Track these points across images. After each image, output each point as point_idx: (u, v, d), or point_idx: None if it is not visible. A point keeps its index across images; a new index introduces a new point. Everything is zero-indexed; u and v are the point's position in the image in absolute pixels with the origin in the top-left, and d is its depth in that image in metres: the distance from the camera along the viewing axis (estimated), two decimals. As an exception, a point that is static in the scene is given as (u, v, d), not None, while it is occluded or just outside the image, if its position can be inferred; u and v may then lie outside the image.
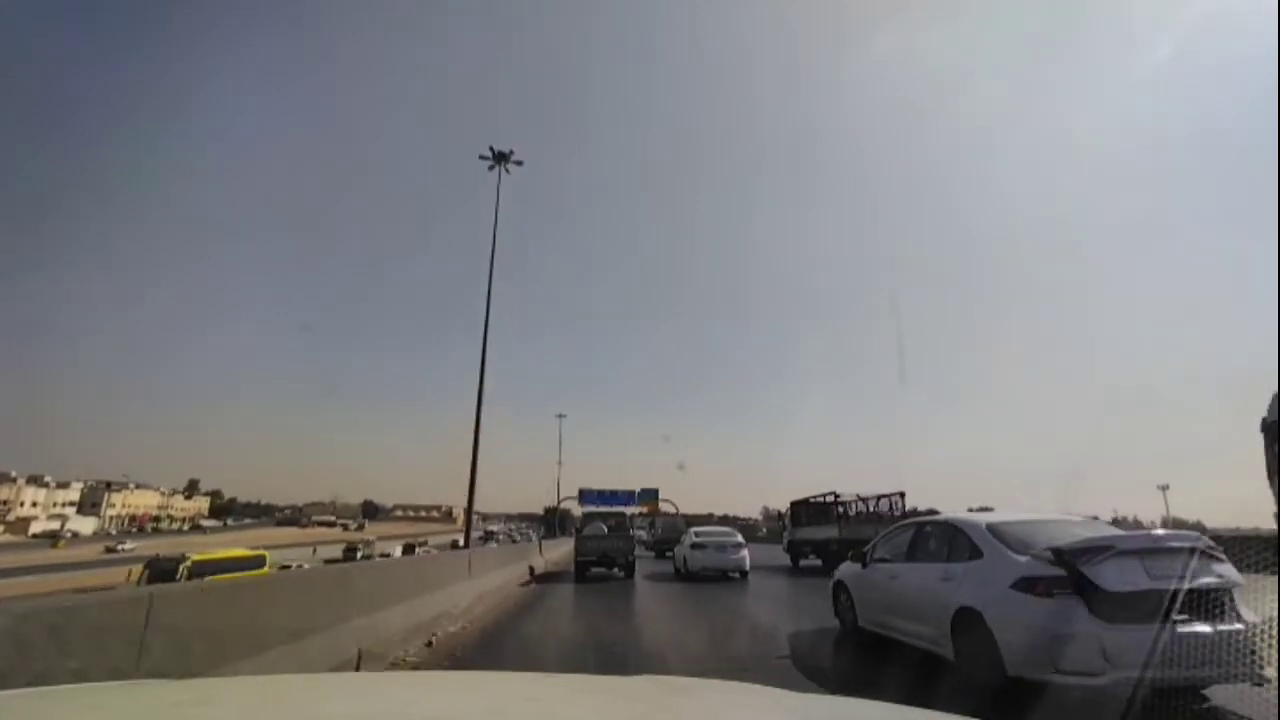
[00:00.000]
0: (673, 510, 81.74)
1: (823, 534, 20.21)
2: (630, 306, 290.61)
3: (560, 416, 75.50)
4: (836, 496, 20.66)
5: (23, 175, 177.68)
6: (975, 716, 1.25)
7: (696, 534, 17.51)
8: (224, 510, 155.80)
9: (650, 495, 79.29)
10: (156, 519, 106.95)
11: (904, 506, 18.79)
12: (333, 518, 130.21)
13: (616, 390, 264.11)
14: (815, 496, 22.13)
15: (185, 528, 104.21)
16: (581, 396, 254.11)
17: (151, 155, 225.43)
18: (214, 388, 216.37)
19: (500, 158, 22.93)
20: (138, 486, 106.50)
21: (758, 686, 1.64)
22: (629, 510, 35.53)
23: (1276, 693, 3.15)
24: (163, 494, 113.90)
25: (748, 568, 16.23)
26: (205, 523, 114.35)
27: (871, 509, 20.01)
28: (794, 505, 23.45)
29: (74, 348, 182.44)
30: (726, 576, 16.02)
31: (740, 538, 16.99)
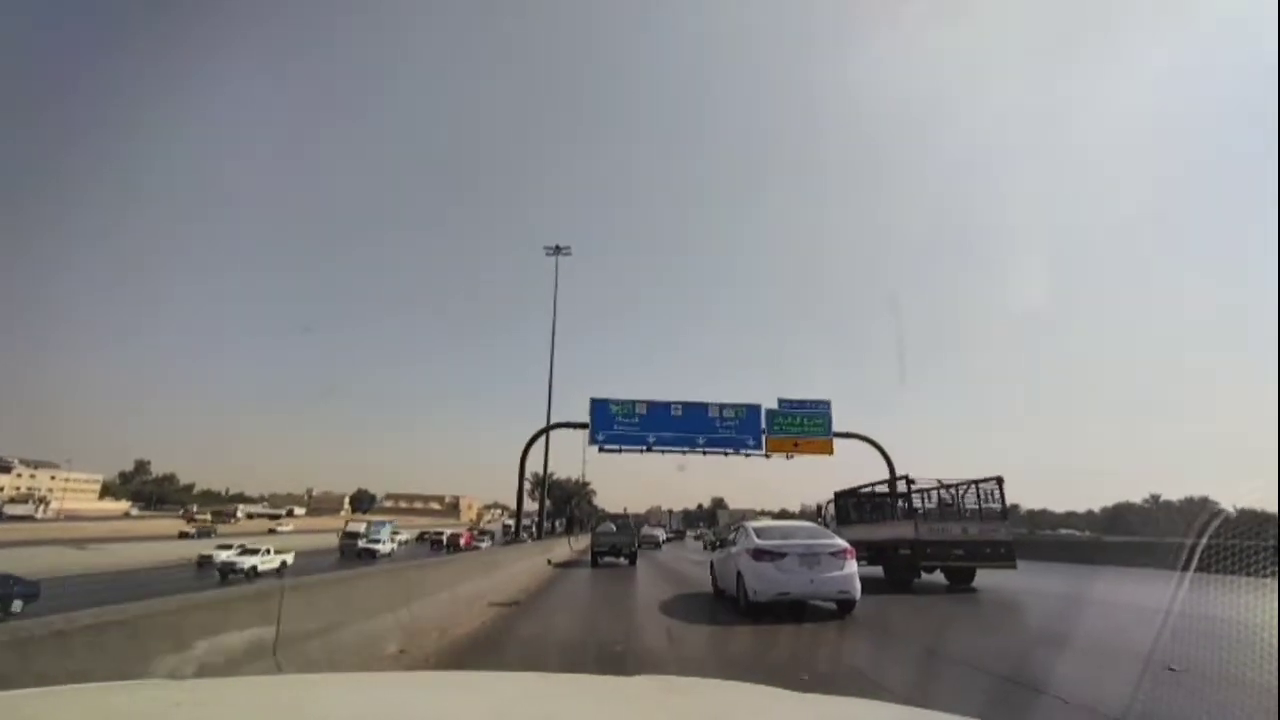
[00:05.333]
0: (888, 466, 23.26)
1: (885, 534, 14.75)
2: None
3: (557, 251, 33.94)
4: (910, 483, 14.78)
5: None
6: (975, 717, 1.28)
7: (760, 532, 9.82)
8: (158, 498, 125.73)
9: (814, 420, 23.21)
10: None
11: (1003, 497, 13.74)
12: (249, 510, 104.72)
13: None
14: (869, 485, 17.20)
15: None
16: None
17: (139, 146, 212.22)
18: (216, 386, 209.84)
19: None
20: None
21: (758, 686, 1.61)
22: (741, 451, 26.18)
23: (1277, 693, 3.09)
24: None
25: (858, 595, 8.99)
26: (15, 509, 71.01)
27: (959, 499, 14.65)
28: (839, 496, 17.87)
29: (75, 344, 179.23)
30: (805, 609, 9.06)
31: (840, 541, 9.56)
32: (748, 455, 26.27)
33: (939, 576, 13.65)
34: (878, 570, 14.40)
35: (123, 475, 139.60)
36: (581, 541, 29.41)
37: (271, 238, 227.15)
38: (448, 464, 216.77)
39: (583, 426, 26.27)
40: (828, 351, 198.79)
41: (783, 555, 8.87)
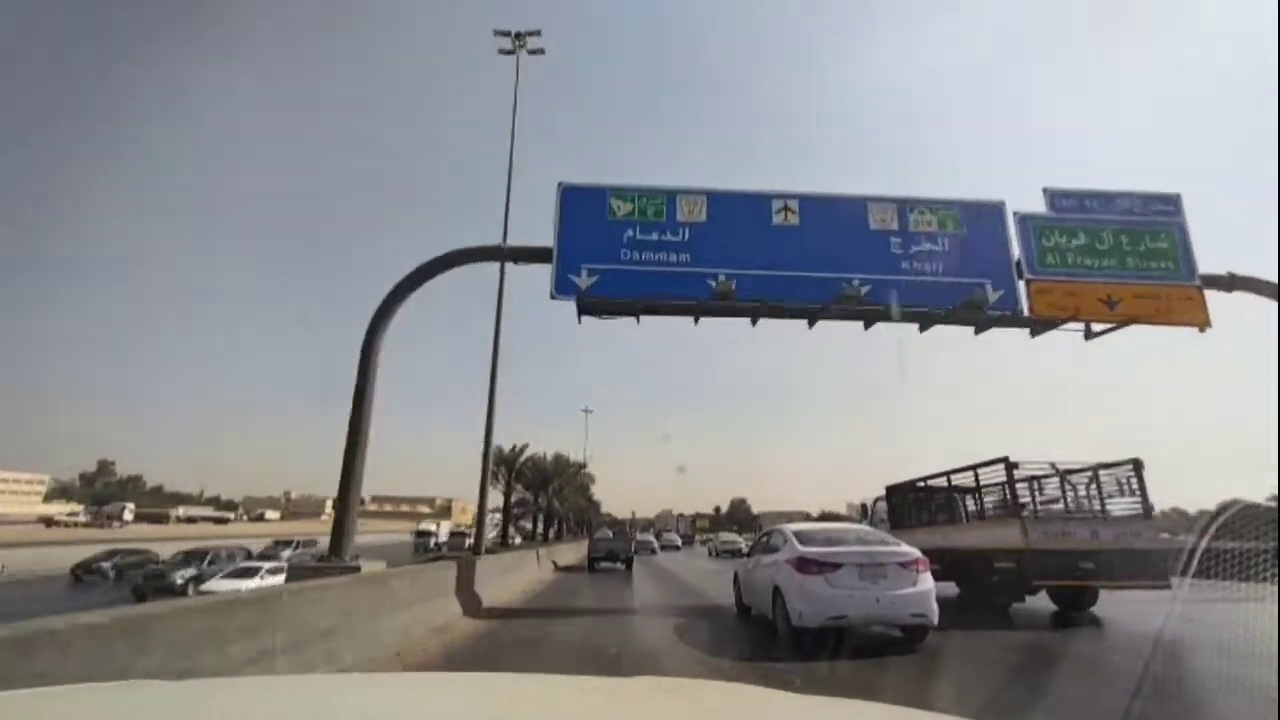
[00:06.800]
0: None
1: (973, 540, 10.80)
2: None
3: (516, 40, 18.32)
4: (1012, 469, 10.18)
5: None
6: (975, 717, 1.23)
7: (803, 537, 7.87)
8: (114, 500, 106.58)
9: (1147, 241, 9.80)
10: None
11: (1143, 489, 9.64)
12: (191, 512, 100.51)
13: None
14: (942, 475, 12.30)
15: None
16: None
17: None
18: (205, 386, 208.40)
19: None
20: None
21: (757, 688, 1.60)
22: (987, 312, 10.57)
23: (1278, 693, 3.01)
24: None
25: (935, 619, 7.03)
26: None
27: (1088, 492, 10.39)
28: (892, 492, 14.03)
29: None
30: (865, 638, 7.32)
31: (910, 549, 7.52)
32: (979, 329, 10.02)
33: (1042, 599, 10.06)
34: (948, 586, 10.76)
35: (83, 477, 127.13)
36: (567, 552, 25.45)
37: (268, 233, 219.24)
38: (449, 465, 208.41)
39: (539, 258, 10.18)
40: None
41: (836, 566, 6.96)
